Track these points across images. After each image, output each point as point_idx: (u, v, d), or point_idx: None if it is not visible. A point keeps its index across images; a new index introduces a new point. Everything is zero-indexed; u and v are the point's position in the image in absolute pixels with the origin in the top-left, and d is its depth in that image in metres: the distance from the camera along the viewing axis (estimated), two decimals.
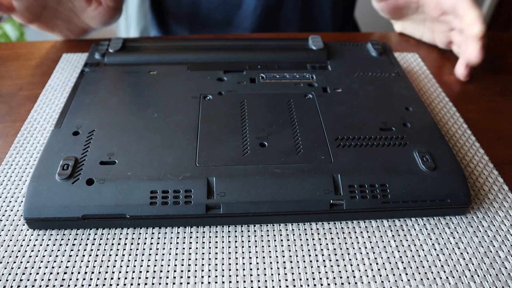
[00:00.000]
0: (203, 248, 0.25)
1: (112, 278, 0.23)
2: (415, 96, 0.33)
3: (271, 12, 0.58)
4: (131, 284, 0.23)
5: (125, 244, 0.25)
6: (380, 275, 0.23)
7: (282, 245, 0.25)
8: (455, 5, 0.37)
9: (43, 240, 0.25)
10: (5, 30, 0.97)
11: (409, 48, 0.46)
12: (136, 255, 0.24)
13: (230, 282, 0.23)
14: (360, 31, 0.69)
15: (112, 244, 0.25)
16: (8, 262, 0.23)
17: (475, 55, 0.36)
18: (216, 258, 0.24)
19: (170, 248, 0.24)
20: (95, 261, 0.24)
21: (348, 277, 0.23)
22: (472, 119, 0.36)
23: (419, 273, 0.23)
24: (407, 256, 0.24)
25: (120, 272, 0.23)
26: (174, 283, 0.23)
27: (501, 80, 0.42)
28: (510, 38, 0.50)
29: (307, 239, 0.25)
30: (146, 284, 0.23)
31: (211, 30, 0.60)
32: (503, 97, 0.39)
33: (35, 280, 0.23)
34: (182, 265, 0.24)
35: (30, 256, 0.24)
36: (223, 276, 0.23)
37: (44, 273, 0.23)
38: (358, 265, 0.24)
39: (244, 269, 0.23)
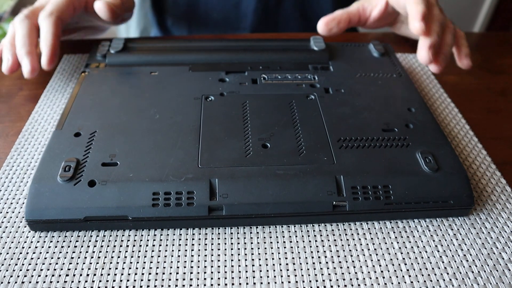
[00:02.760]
0: (205, 250, 0.24)
1: (114, 280, 0.23)
2: (417, 97, 0.33)
3: (270, 11, 0.58)
4: (133, 286, 0.23)
5: (127, 246, 0.25)
6: (383, 277, 0.23)
7: (284, 247, 0.25)
8: (404, 2, 0.37)
9: (44, 242, 0.25)
10: (5, 30, 0.97)
11: (411, 48, 0.46)
12: (139, 257, 0.24)
13: (232, 284, 0.23)
14: (358, 31, 0.69)
15: (114, 246, 0.24)
16: (9, 264, 0.23)
17: (421, 55, 0.34)
18: (218, 260, 0.24)
19: (173, 250, 0.24)
20: (97, 263, 0.24)
21: (351, 279, 0.23)
22: (472, 119, 0.36)
23: (422, 275, 0.23)
24: (410, 258, 0.24)
25: (122, 274, 0.23)
26: (176, 285, 0.23)
27: (501, 80, 0.42)
28: (510, 38, 0.50)
29: (309, 241, 0.25)
30: (148, 286, 0.23)
31: (210, 29, 0.59)
32: (503, 97, 0.39)
33: (37, 282, 0.22)
34: (185, 267, 0.24)
35: (31, 258, 0.24)
36: (225, 278, 0.23)
37: (46, 275, 0.23)
38: (361, 266, 0.24)
39: (246, 271, 0.23)
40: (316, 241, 0.25)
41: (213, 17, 0.58)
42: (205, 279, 0.23)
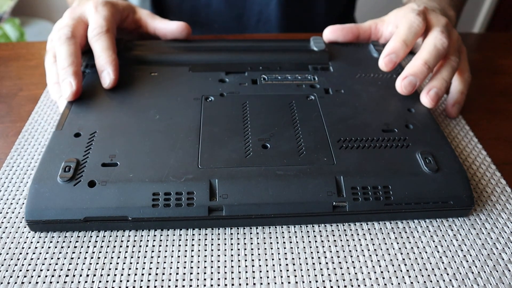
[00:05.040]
0: (205, 250, 0.24)
1: (114, 281, 0.23)
2: (417, 97, 0.33)
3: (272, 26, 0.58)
4: (133, 287, 0.22)
5: (127, 246, 0.25)
6: (383, 278, 0.23)
7: (284, 247, 0.25)
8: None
9: (44, 242, 0.25)
10: (5, 31, 0.97)
11: None
12: (138, 257, 0.24)
13: (232, 284, 0.23)
14: None
15: (114, 246, 0.24)
16: (9, 265, 0.23)
17: (396, 84, 0.33)
18: (218, 261, 0.24)
19: (173, 251, 0.24)
20: (97, 263, 0.24)
21: (351, 279, 0.23)
22: (472, 119, 0.36)
23: (422, 276, 0.23)
24: (410, 258, 0.24)
25: (122, 274, 0.23)
26: (176, 286, 0.23)
27: (501, 80, 0.42)
28: (510, 38, 0.50)
29: (309, 241, 0.25)
30: (148, 286, 0.23)
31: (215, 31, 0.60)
32: (503, 97, 0.39)
33: (37, 282, 0.22)
34: (185, 267, 0.24)
35: (31, 259, 0.24)
36: (225, 278, 0.23)
37: (46, 276, 0.23)
38: (361, 267, 0.24)
39: (246, 272, 0.23)
40: (316, 241, 0.25)
41: (214, 28, 0.59)
42: (205, 279, 0.23)
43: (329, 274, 0.23)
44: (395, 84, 0.33)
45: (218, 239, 0.25)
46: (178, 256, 0.24)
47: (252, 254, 0.24)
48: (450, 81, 0.33)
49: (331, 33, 0.40)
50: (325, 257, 0.24)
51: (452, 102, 0.35)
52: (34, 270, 0.23)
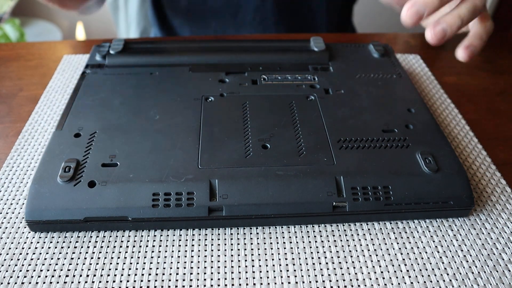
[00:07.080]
0: (205, 250, 0.24)
1: (114, 281, 0.23)
2: (417, 98, 0.33)
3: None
4: (133, 287, 0.22)
5: (127, 246, 0.25)
6: (383, 278, 0.23)
7: (284, 247, 0.25)
8: None
9: (44, 242, 0.25)
10: (5, 31, 0.97)
11: (411, 49, 0.46)
12: (138, 257, 0.24)
13: (232, 285, 0.23)
14: (356, 32, 0.69)
15: (114, 246, 0.24)
16: (9, 265, 0.23)
17: (402, 14, 0.28)
18: (218, 261, 0.24)
19: (173, 251, 0.24)
20: (97, 263, 0.24)
21: (351, 279, 0.23)
22: (472, 119, 0.36)
23: (422, 276, 0.23)
24: (410, 258, 0.24)
25: (122, 275, 0.23)
26: (176, 286, 0.23)
27: (501, 80, 0.42)
28: (510, 38, 0.50)
29: (309, 241, 0.25)
30: (148, 287, 0.23)
31: (211, 21, 0.60)
32: (503, 97, 0.39)
33: (37, 283, 0.22)
34: (185, 267, 0.24)
35: (31, 259, 0.24)
36: (225, 278, 0.23)
37: (46, 276, 0.23)
38: (361, 267, 0.24)
39: (246, 272, 0.23)
40: (316, 241, 0.25)
41: (211, 25, 0.59)
42: (205, 279, 0.23)
43: (329, 274, 0.23)
44: (402, 17, 0.28)
45: (218, 239, 0.25)
46: (178, 256, 0.24)
47: (252, 255, 0.24)
48: (466, 21, 0.28)
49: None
50: (325, 257, 0.24)
51: (467, 44, 0.30)
52: (34, 270, 0.23)
